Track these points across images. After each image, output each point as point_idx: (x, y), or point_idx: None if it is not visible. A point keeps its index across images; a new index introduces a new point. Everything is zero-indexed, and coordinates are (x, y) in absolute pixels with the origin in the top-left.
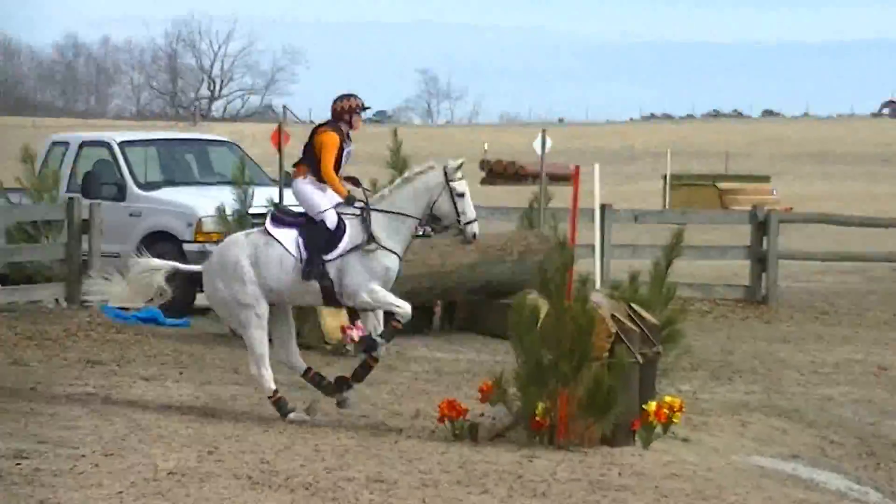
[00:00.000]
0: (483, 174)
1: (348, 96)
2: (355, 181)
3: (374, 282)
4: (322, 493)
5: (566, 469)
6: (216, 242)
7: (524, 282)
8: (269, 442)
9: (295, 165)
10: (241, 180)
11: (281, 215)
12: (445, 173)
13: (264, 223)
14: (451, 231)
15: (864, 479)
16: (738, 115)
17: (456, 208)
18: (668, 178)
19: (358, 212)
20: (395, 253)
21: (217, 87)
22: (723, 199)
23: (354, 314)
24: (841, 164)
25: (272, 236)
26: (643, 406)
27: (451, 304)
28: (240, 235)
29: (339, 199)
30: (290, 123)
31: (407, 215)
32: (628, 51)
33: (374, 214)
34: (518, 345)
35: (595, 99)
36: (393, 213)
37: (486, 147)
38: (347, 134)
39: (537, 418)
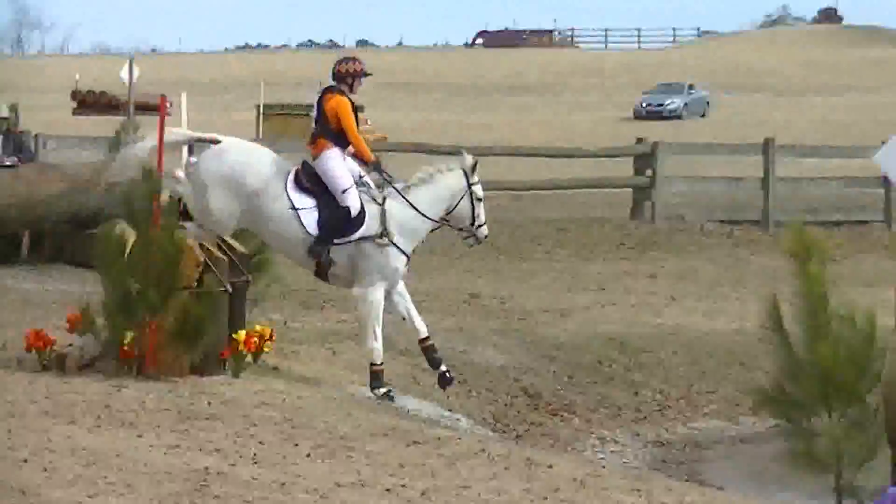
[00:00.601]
0: (74, 105)
1: (352, 60)
2: None
3: (381, 282)
4: None
5: (155, 399)
6: None
7: (114, 213)
8: None
9: (313, 139)
10: None
11: (304, 178)
12: (466, 176)
13: None
14: (462, 233)
15: (455, 407)
16: (332, 44)
17: (473, 212)
18: (260, 108)
19: (380, 200)
20: (405, 254)
21: None
22: None
23: None
24: (434, 94)
25: (288, 196)
26: (233, 335)
27: (40, 234)
28: (270, 158)
29: (360, 174)
30: None
31: (427, 217)
32: None
33: (393, 208)
34: (105, 274)
35: (190, 29)
36: (417, 210)
37: (77, 77)
38: None
39: (125, 348)
